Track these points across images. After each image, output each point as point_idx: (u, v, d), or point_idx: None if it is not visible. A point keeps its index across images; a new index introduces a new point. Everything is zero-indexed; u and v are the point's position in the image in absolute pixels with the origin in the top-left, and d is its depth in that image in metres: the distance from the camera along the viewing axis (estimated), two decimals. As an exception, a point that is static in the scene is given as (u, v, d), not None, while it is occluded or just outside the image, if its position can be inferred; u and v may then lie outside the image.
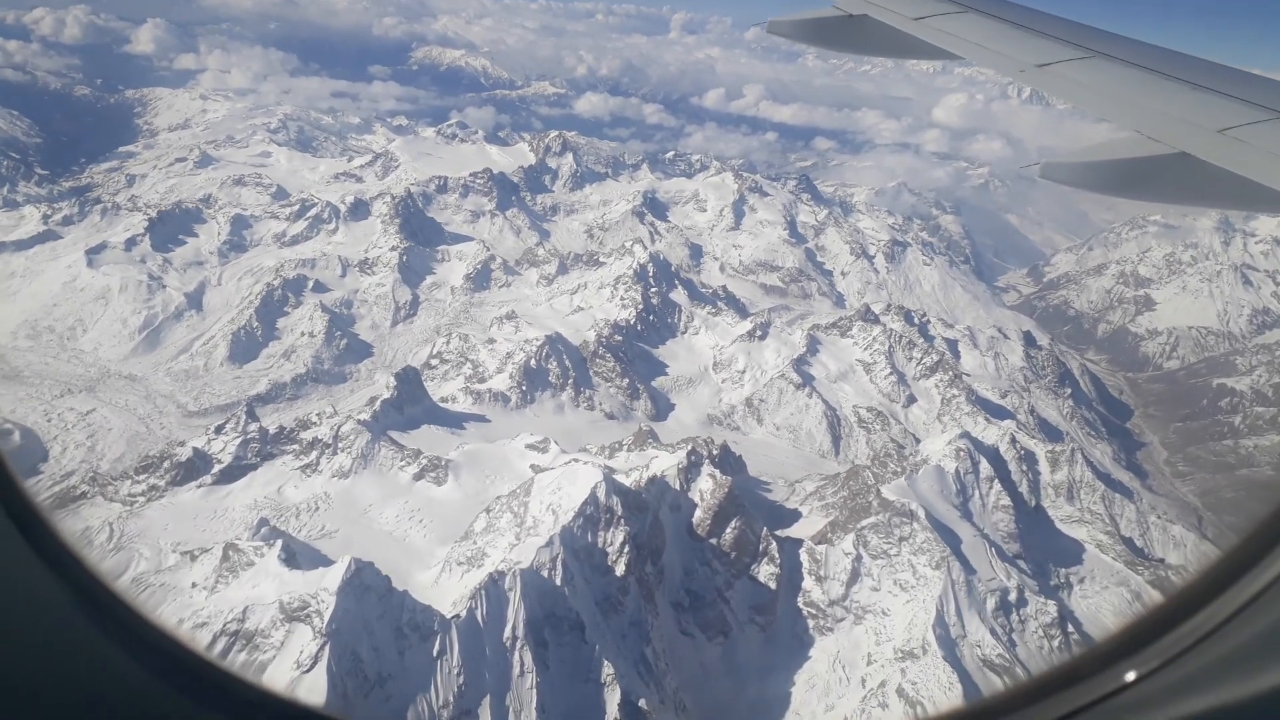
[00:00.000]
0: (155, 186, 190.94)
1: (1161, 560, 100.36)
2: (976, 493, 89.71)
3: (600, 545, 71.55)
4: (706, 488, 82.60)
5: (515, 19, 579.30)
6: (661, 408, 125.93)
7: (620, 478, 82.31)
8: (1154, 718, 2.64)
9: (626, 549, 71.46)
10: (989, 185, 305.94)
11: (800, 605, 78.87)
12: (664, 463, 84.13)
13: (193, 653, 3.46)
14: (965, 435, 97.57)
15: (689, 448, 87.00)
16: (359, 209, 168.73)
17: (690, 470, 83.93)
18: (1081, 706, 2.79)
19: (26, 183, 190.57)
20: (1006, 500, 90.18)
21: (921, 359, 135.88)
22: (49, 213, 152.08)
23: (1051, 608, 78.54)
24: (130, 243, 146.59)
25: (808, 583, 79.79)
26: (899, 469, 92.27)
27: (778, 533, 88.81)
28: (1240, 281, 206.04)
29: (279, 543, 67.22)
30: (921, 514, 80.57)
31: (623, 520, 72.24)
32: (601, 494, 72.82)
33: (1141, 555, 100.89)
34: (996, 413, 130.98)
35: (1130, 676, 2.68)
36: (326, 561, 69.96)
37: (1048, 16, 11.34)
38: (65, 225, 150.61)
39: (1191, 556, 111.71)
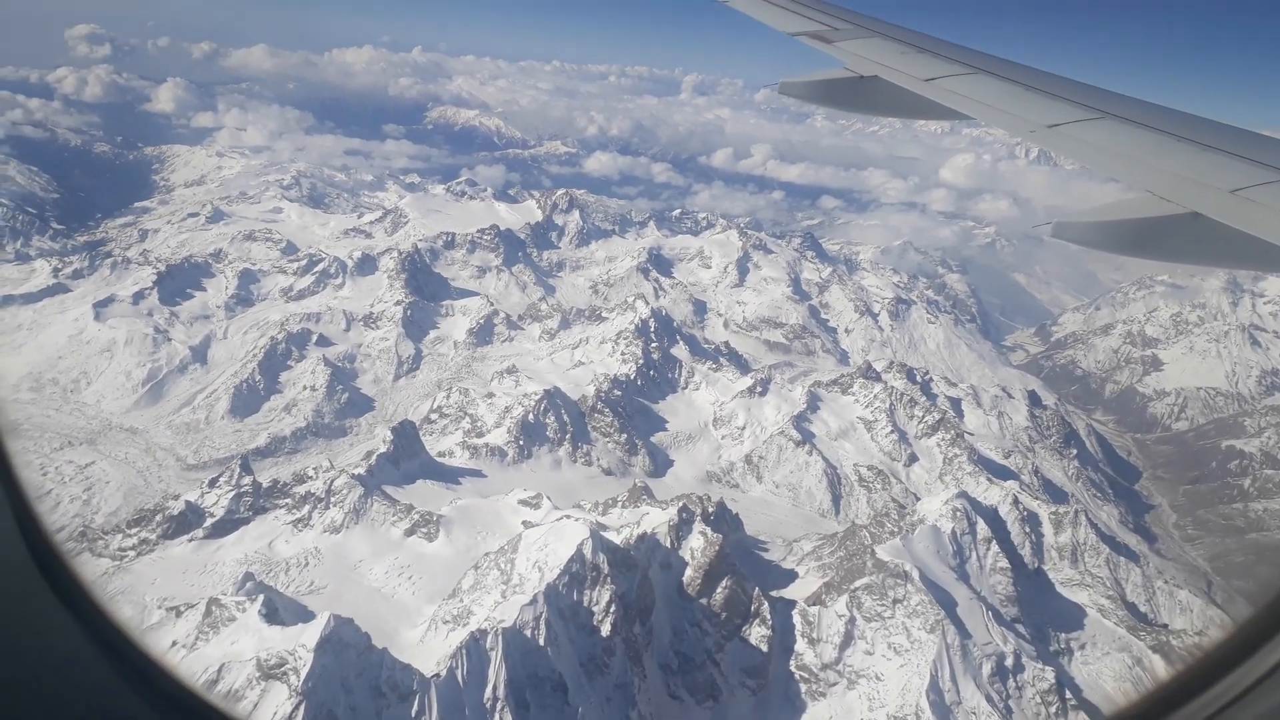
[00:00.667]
0: (167, 241, 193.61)
1: (1165, 626, 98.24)
2: (974, 554, 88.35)
3: (586, 604, 70.59)
4: (698, 546, 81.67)
5: (529, 81, 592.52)
6: (660, 464, 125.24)
7: (612, 535, 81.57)
8: None
9: (613, 608, 70.46)
10: (996, 244, 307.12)
11: (793, 668, 77.34)
12: (655, 520, 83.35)
13: (211, 706, 3.59)
14: (962, 495, 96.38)
15: (680, 505, 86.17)
16: (366, 264, 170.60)
17: (682, 528, 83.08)
18: None
19: (41, 237, 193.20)
20: (1005, 562, 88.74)
21: (923, 417, 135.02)
22: (59, 266, 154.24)
23: (1049, 674, 76.68)
24: (138, 296, 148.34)
25: (800, 645, 78.34)
26: (896, 529, 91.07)
27: (773, 593, 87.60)
28: (1248, 342, 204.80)
29: (260, 598, 66.57)
30: (916, 575, 79.28)
31: (609, 579, 71.35)
32: (588, 551, 72.05)
33: (1145, 621, 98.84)
34: (999, 473, 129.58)
35: None
36: (311, 617, 69.26)
37: (1057, 78, 11.42)
38: (75, 279, 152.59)
39: (1199, 622, 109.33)
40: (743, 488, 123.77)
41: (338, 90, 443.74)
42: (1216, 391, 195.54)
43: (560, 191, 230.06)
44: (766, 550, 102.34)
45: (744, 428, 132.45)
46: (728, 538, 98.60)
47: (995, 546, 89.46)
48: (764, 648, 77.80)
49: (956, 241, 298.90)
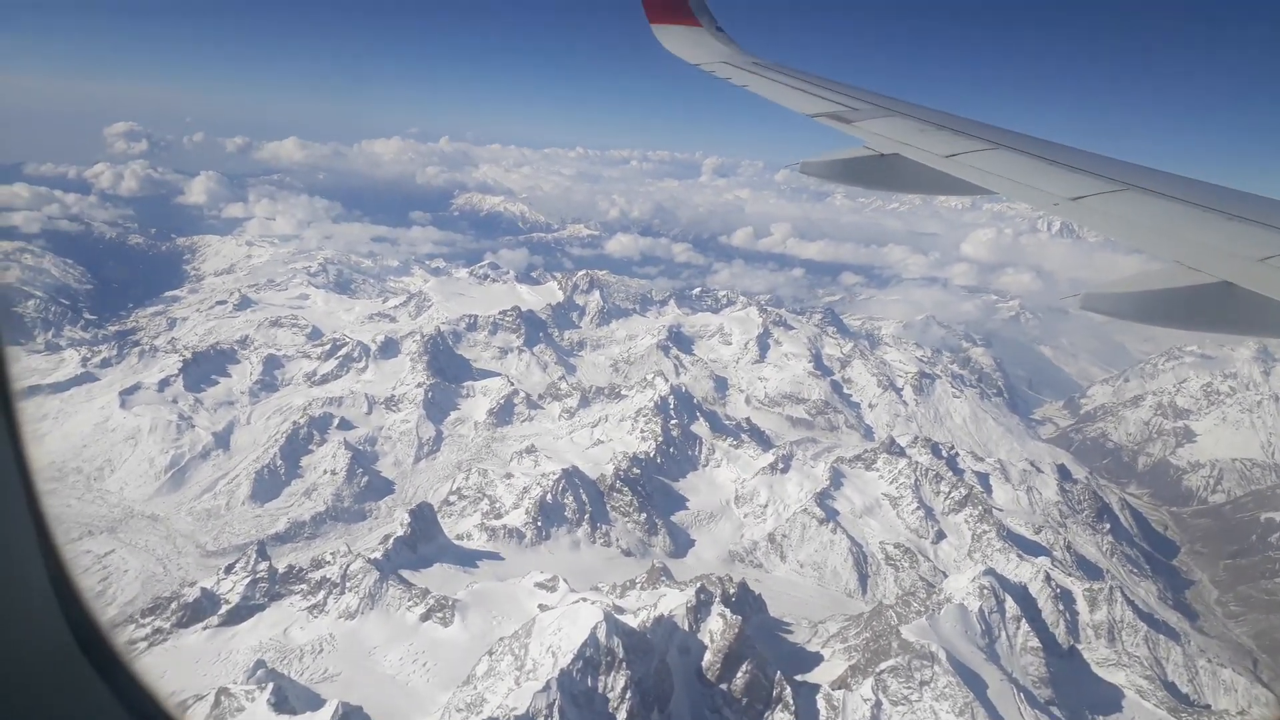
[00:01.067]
0: (195, 329, 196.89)
1: (1208, 707, 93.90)
2: (1003, 633, 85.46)
3: (601, 690, 68.67)
4: (717, 629, 79.64)
5: (553, 167, 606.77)
6: (681, 544, 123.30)
7: (629, 617, 79.89)
8: None
9: (629, 694, 68.48)
10: (1020, 318, 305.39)
11: (817, 756, 74.43)
12: (672, 601, 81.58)
13: None
14: (990, 572, 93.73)
15: (698, 586, 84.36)
16: (389, 348, 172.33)
17: (700, 610, 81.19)
18: None
19: (72, 327, 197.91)
20: (1036, 642, 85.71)
21: (950, 493, 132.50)
22: (88, 355, 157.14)
23: (1088, 760, 73.25)
24: (163, 383, 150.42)
25: (825, 731, 75.49)
26: (923, 608, 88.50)
27: (797, 677, 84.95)
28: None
29: (271, 686, 65.38)
30: (943, 656, 76.65)
31: (624, 664, 69.53)
32: (602, 635, 70.42)
33: (1187, 702, 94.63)
34: (1030, 549, 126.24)
35: None
36: (321, 705, 67.86)
37: (1077, 151, 11.57)
38: (103, 367, 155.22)
39: (1244, 701, 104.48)
40: (766, 567, 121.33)
41: (366, 180, 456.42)
42: (1253, 462, 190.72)
43: (581, 273, 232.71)
44: (791, 632, 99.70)
45: (766, 505, 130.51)
46: (749, 619, 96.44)
47: (1025, 625, 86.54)
48: (787, 734, 75.02)
49: (980, 315, 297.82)
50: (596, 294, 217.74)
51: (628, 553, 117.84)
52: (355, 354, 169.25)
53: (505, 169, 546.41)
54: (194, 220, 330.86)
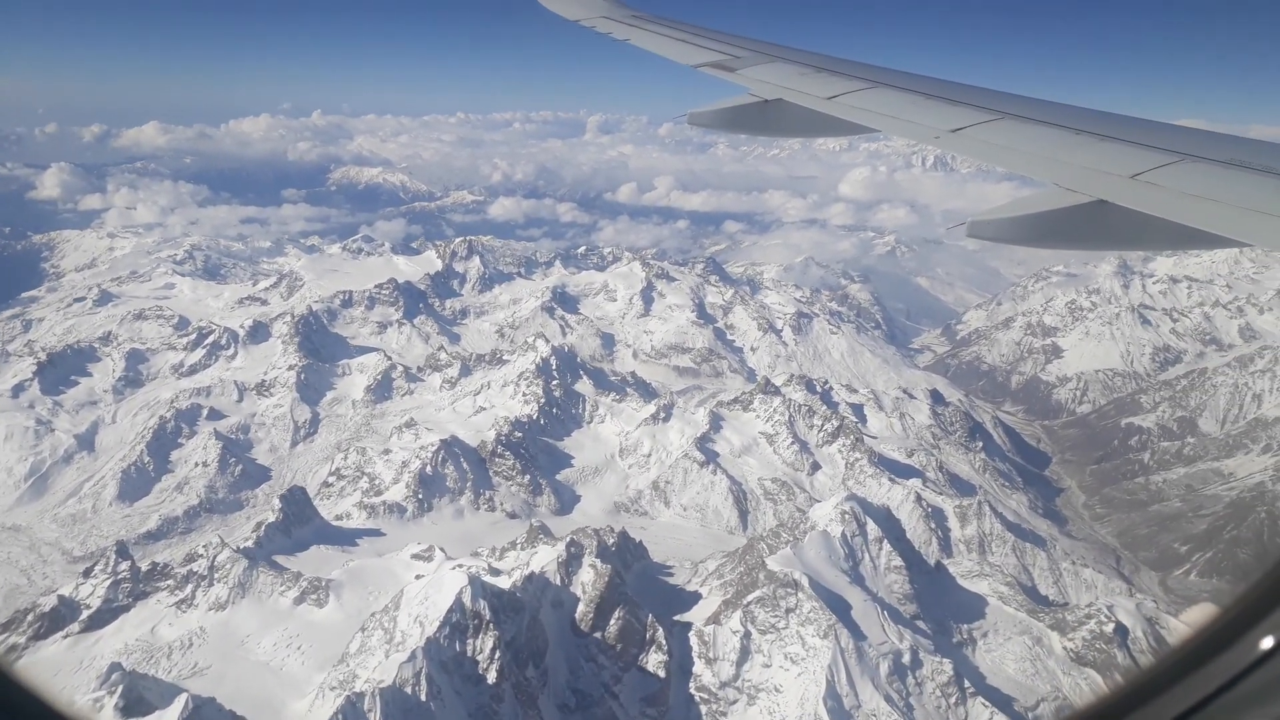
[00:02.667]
0: (53, 329, 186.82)
1: (1065, 604, 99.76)
2: (866, 555, 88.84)
3: (470, 654, 68.93)
4: (588, 579, 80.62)
5: (433, 134, 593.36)
6: (567, 501, 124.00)
7: (503, 579, 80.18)
8: None
9: (498, 654, 68.90)
10: (896, 252, 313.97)
11: (692, 691, 76.44)
12: (544, 558, 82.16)
13: None
14: (852, 497, 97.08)
15: (568, 540, 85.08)
16: (258, 332, 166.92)
17: (571, 563, 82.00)
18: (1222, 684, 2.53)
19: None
20: (899, 561, 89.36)
21: (823, 426, 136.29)
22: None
23: (947, 666, 77.10)
24: (17, 389, 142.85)
25: (698, 667, 77.56)
26: (791, 538, 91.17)
27: (677, 617, 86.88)
28: (1139, 322, 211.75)
29: (120, 689, 63.49)
30: (805, 582, 79.32)
31: (492, 625, 69.84)
32: (467, 599, 70.51)
33: (1046, 603, 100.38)
34: (903, 472, 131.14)
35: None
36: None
37: (955, 85, 11.82)
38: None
39: (1103, 596, 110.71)
40: (651, 515, 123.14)
41: (235, 161, 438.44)
42: (1114, 372, 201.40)
43: (459, 239, 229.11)
44: (672, 575, 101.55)
45: (650, 455, 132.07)
46: (631, 567, 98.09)
47: (888, 546, 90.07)
48: (662, 674, 76.85)
49: (857, 253, 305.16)
50: (476, 260, 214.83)
51: (513, 515, 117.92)
52: (223, 341, 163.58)
53: (381, 139, 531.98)
54: (48, 216, 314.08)
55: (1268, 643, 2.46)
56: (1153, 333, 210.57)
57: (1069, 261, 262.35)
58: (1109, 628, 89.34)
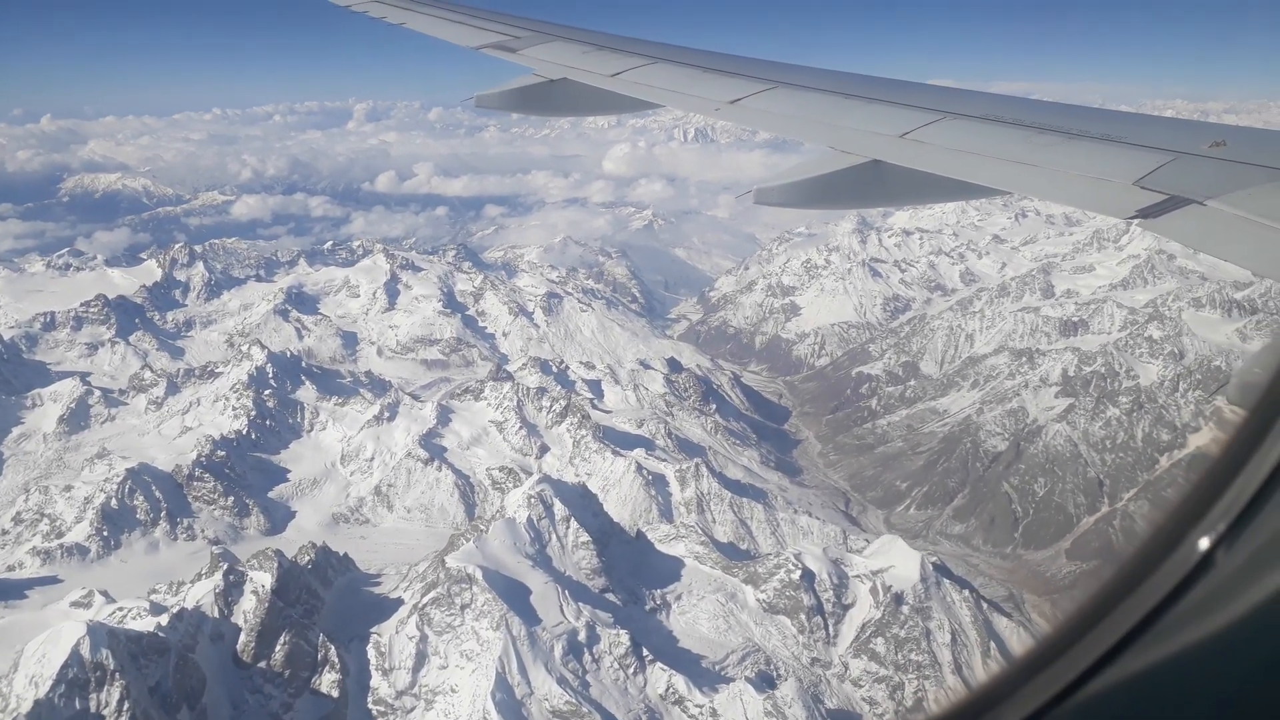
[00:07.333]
0: None
1: (756, 557, 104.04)
2: (554, 536, 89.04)
3: (94, 709, 63.38)
4: (249, 607, 76.29)
5: (180, 133, 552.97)
6: (279, 518, 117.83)
7: (166, 617, 74.57)
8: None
9: (127, 706, 63.70)
10: (653, 225, 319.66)
11: (370, 706, 73.97)
12: (198, 592, 77.04)
13: None
14: (545, 479, 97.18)
15: (225, 568, 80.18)
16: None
17: (230, 592, 77.32)
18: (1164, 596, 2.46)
19: None
20: (585, 537, 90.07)
21: (551, 407, 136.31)
22: None
23: (624, 637, 78.26)
24: None
25: (375, 679, 75.15)
26: (481, 530, 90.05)
27: (374, 629, 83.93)
28: (870, 274, 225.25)
29: None
30: (479, 575, 78.39)
31: (118, 674, 64.42)
32: (86, 650, 64.71)
33: (746, 557, 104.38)
34: (631, 444, 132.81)
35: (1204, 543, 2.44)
36: None
37: (732, 57, 12.10)
38: None
39: (820, 540, 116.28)
40: (374, 521, 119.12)
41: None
42: (849, 324, 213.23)
43: (178, 245, 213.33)
44: (380, 584, 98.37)
45: (373, 458, 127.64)
46: (333, 584, 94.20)
47: (574, 524, 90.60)
48: (336, 693, 73.86)
49: (614, 229, 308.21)
50: (199, 266, 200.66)
51: (216, 541, 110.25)
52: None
53: (118, 143, 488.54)
54: None
55: (1204, 544, 2.40)
56: (883, 284, 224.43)
57: (811, 223, 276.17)
58: (796, 575, 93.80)
